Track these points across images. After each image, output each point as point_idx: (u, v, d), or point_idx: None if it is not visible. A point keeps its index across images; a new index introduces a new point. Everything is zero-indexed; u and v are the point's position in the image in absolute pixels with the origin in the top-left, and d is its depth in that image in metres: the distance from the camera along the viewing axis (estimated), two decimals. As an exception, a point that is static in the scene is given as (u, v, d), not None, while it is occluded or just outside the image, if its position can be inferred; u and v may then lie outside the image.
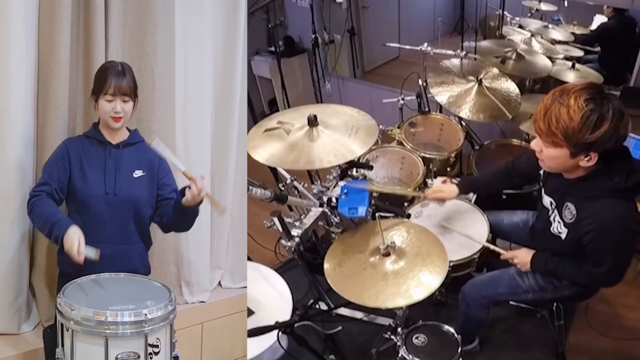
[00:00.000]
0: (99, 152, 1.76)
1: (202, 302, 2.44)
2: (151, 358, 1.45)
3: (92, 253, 1.54)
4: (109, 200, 1.72)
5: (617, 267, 1.63)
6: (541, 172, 1.83)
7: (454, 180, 2.18)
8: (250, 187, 1.69)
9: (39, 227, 1.67)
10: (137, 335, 1.41)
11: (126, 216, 1.74)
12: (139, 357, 1.42)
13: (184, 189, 1.69)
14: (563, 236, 1.69)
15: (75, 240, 1.52)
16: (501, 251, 1.98)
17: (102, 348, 1.39)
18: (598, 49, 3.15)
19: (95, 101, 1.73)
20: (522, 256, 1.89)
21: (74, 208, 1.75)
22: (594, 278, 1.71)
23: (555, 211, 1.72)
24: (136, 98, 1.78)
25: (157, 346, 1.47)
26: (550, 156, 1.53)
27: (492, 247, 2.05)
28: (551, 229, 1.75)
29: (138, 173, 1.78)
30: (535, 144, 1.57)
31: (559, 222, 1.71)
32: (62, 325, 1.44)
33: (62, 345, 1.45)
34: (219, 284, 2.61)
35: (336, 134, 1.83)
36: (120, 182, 1.74)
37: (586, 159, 1.47)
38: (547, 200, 1.79)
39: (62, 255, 1.60)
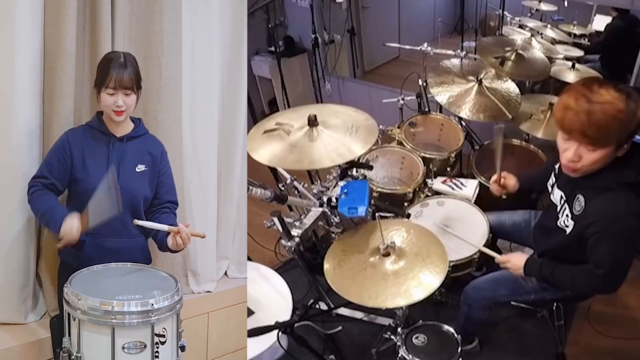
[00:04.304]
0: (102, 144, 1.78)
1: (208, 292, 2.50)
2: (157, 348, 1.49)
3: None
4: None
5: (615, 268, 1.62)
6: (556, 166, 1.87)
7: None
8: (250, 187, 1.73)
9: (38, 219, 1.73)
10: (144, 325, 1.45)
11: (127, 210, 1.76)
12: (145, 346, 1.47)
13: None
14: (568, 230, 1.72)
15: (72, 229, 1.60)
16: (494, 255, 2.00)
17: (108, 337, 1.43)
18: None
19: (97, 93, 1.75)
20: (515, 260, 1.88)
21: (75, 199, 1.78)
22: (592, 282, 1.68)
23: (566, 205, 1.75)
24: (139, 89, 1.79)
25: (163, 336, 1.51)
26: (592, 160, 1.54)
27: (487, 251, 2.08)
28: (558, 222, 1.78)
29: (141, 167, 1.82)
30: (574, 155, 1.56)
31: (567, 215, 1.73)
32: (69, 314, 1.48)
33: (69, 335, 1.49)
34: (225, 273, 2.67)
35: (336, 134, 1.87)
36: (124, 176, 1.76)
37: (625, 146, 1.52)
38: (557, 194, 1.83)
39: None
